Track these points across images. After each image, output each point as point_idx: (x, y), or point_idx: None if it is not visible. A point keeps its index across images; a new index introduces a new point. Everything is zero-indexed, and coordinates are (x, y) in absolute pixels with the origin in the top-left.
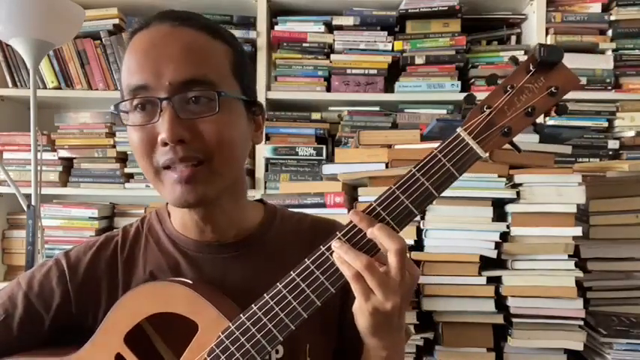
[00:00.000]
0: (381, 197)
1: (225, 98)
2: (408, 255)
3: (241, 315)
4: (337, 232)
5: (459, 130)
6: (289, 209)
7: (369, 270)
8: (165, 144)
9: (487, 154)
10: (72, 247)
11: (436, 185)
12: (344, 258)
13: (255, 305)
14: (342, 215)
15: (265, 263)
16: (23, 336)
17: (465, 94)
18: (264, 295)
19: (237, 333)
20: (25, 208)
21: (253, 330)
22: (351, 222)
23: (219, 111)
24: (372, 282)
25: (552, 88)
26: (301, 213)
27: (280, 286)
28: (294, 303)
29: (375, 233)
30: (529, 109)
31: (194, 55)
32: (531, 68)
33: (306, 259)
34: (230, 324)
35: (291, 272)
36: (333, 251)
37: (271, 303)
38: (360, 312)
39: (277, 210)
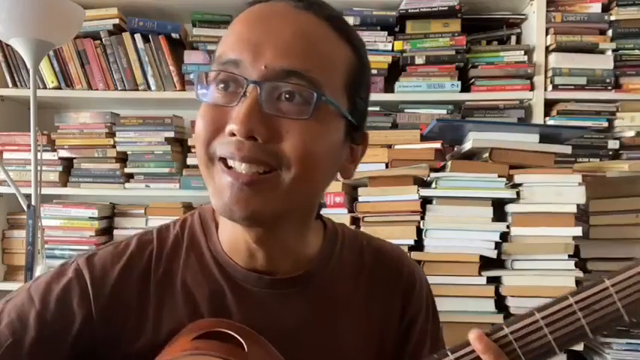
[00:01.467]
0: (517, 323)
1: (325, 105)
2: None
3: None
4: (449, 353)
5: None
6: (350, 228)
7: None
8: (232, 134)
9: None
10: (95, 251)
11: (595, 326)
12: None
13: None
14: (342, 215)
15: (321, 305)
16: None
17: (466, 94)
18: None
19: None
20: (25, 208)
21: None
22: (468, 344)
23: (312, 117)
24: None
25: None
26: (364, 236)
27: None
28: None
29: None
30: None
31: (306, 45)
32: None
33: None
34: None
35: None
36: None
37: None
38: None
39: (338, 233)
